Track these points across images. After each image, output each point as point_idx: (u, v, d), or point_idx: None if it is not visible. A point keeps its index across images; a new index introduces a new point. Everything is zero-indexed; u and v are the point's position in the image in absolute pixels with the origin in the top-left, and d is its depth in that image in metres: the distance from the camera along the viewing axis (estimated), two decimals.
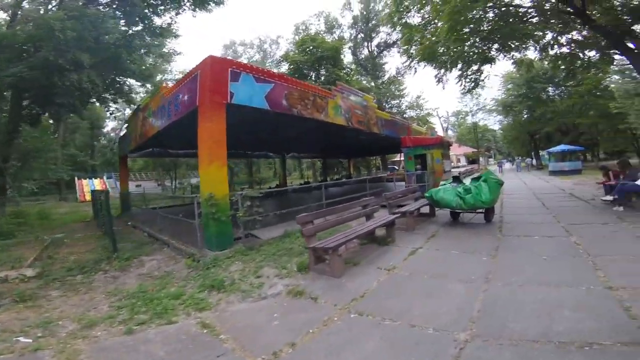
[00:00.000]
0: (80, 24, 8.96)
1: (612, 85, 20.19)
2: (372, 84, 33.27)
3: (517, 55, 11.27)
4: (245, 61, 44.37)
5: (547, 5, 9.45)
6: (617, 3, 8.84)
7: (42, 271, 5.25)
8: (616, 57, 10.73)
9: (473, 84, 11.61)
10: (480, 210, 6.70)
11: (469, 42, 9.69)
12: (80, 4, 10.13)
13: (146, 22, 11.95)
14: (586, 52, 10.61)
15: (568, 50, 10.63)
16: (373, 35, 35.88)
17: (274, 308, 3.36)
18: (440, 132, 37.72)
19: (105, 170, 34.35)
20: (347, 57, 34.88)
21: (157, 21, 12.32)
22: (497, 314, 2.77)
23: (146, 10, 11.61)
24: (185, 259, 5.57)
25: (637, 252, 3.95)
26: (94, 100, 13.69)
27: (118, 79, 13.21)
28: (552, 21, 9.69)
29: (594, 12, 9.03)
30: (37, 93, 10.47)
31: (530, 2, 9.59)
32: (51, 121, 20.12)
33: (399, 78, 35.29)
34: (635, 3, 8.39)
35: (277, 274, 4.38)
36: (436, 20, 10.24)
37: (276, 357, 2.45)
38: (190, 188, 22.86)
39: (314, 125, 9.82)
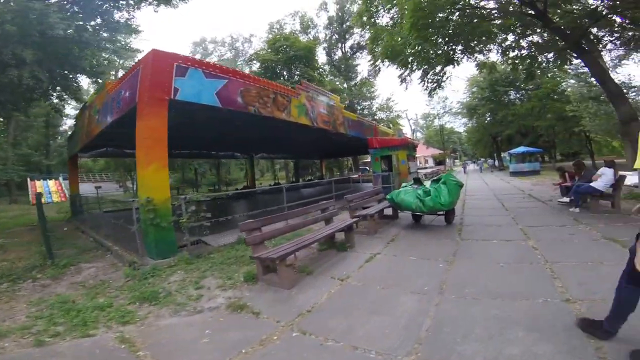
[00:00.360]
0: (22, 19, 8.11)
1: (569, 89, 21.22)
2: (345, 85, 33.25)
3: (480, 57, 11.49)
4: (215, 59, 42.96)
5: (511, 7, 9.60)
6: (576, 7, 9.11)
7: None
8: (574, 61, 11.14)
9: (435, 84, 11.65)
10: (441, 213, 6.51)
11: (432, 39, 9.62)
12: None
13: (106, 17, 11.09)
14: (545, 54, 10.92)
15: (528, 52, 10.90)
16: (347, 36, 35.92)
17: (207, 323, 3.05)
18: (409, 134, 38.40)
19: (62, 170, 31.89)
20: (321, 58, 34.73)
21: (117, 16, 11.43)
22: (447, 334, 2.48)
23: (106, 5, 10.80)
24: (125, 268, 5.06)
25: (593, 257, 3.84)
26: (38, 97, 12.46)
27: (71, 76, 12.16)
28: (515, 24, 9.85)
29: (554, 15, 9.25)
30: None
31: (495, 3, 9.72)
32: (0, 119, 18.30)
33: (370, 80, 35.60)
34: (592, 7, 8.64)
35: (221, 285, 3.98)
36: (404, 21, 10.15)
37: None
38: None
39: (277, 124, 9.34)
